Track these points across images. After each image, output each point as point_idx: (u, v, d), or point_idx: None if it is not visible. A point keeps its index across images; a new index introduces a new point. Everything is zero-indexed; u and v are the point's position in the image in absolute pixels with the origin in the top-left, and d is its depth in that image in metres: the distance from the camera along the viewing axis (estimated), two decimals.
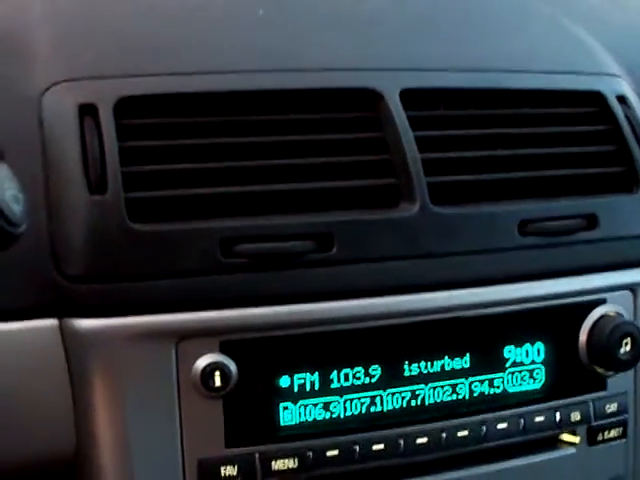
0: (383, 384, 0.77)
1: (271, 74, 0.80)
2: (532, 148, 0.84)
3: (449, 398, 0.79)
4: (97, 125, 0.74)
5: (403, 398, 0.78)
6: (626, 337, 0.82)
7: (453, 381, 0.79)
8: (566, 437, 0.85)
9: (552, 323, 0.82)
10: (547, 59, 0.91)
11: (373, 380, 0.77)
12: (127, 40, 0.82)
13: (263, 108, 0.79)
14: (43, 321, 0.72)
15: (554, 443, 0.85)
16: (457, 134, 0.82)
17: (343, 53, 0.85)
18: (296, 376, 0.75)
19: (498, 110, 0.85)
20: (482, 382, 0.80)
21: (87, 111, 0.74)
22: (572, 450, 0.85)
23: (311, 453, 0.75)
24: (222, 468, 0.74)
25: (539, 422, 0.82)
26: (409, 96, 0.81)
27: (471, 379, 0.79)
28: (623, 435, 0.86)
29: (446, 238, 0.78)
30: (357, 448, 0.76)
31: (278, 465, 0.75)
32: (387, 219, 0.77)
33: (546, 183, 0.84)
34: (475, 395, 0.80)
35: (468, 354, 0.79)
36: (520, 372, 0.81)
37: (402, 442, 0.77)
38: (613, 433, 0.86)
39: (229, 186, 0.75)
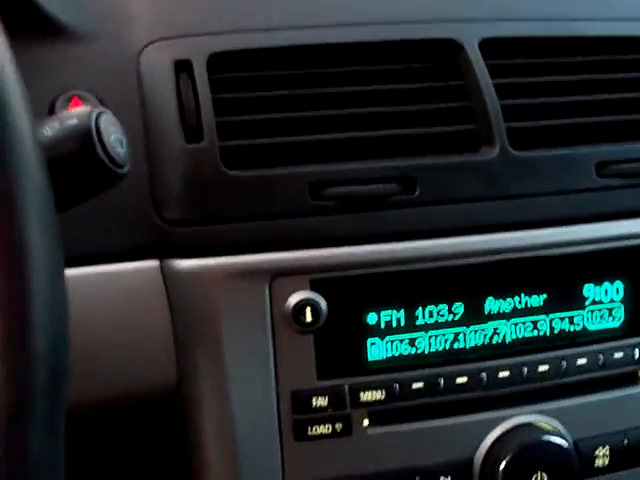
0: (466, 321, 0.80)
1: (356, 27, 0.84)
2: (609, 94, 0.86)
3: (530, 334, 0.82)
4: (192, 79, 0.78)
5: (485, 334, 0.81)
6: None
7: (533, 318, 0.82)
8: None
9: (630, 263, 0.84)
10: (623, 6, 0.93)
11: (456, 317, 0.80)
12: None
13: (349, 60, 0.82)
14: (145, 262, 0.77)
15: (634, 379, 0.87)
16: (535, 81, 0.85)
17: (424, 6, 0.88)
18: (383, 313, 0.78)
19: (576, 57, 0.87)
20: (562, 319, 0.83)
21: (182, 67, 0.79)
22: None
23: (397, 385, 0.79)
24: (314, 399, 0.78)
25: (618, 358, 0.84)
26: (488, 46, 0.84)
27: (551, 316, 0.82)
28: None
29: (525, 180, 0.81)
30: (441, 381, 0.80)
31: (366, 396, 0.78)
32: (467, 162, 0.80)
33: (624, 127, 0.85)
34: (555, 332, 0.82)
35: (548, 292, 0.82)
36: (600, 310, 0.84)
37: (484, 375, 0.80)
38: None
39: (317, 134, 0.79)
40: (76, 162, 0.60)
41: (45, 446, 0.46)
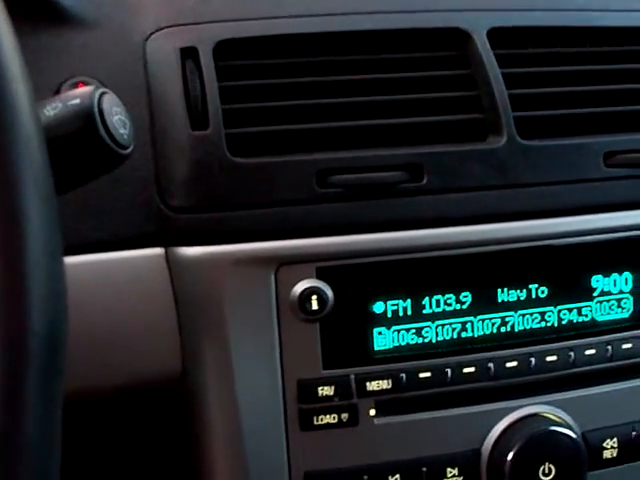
0: (474, 310, 0.80)
1: (364, 16, 0.83)
2: (617, 84, 0.86)
3: (538, 325, 0.81)
4: (198, 67, 0.78)
5: (493, 324, 0.80)
6: None
7: (542, 309, 0.81)
8: None
9: (639, 253, 0.84)
10: None
11: (464, 306, 0.79)
12: None
13: (357, 48, 0.82)
14: (150, 250, 0.76)
15: None
16: (543, 71, 0.84)
17: None
18: (389, 302, 0.78)
19: (585, 48, 0.87)
20: (570, 310, 0.82)
21: (188, 54, 0.79)
22: None
23: (404, 375, 0.78)
24: (320, 388, 0.77)
25: (627, 349, 0.83)
26: (497, 35, 0.84)
27: (560, 307, 0.82)
28: None
29: (533, 169, 0.80)
30: (448, 371, 0.79)
31: (373, 386, 0.78)
32: (475, 151, 0.79)
33: (631, 118, 0.85)
34: (564, 323, 0.82)
35: (556, 283, 0.81)
36: (608, 301, 0.83)
37: (492, 366, 0.80)
38: None
39: (324, 121, 0.78)
40: (78, 142, 0.60)
41: (40, 423, 0.45)
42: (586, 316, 0.83)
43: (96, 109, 0.60)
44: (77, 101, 0.60)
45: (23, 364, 0.44)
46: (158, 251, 0.76)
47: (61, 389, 0.47)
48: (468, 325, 0.80)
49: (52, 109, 0.60)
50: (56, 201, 0.48)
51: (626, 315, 0.84)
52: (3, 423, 0.44)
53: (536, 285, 0.81)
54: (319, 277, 0.76)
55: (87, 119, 0.60)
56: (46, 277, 0.46)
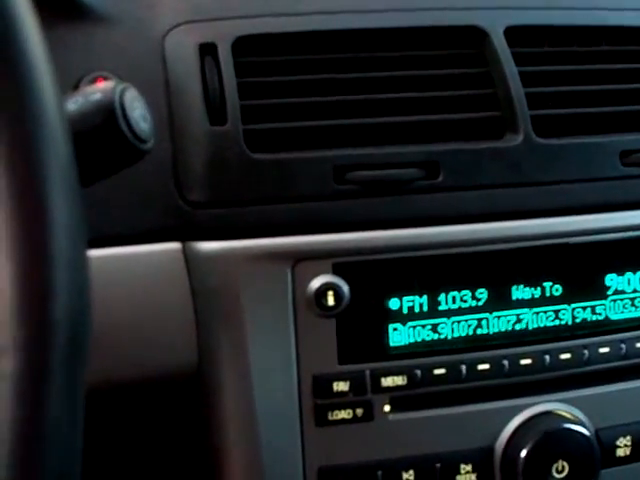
0: (489, 307, 0.80)
1: (382, 14, 0.84)
2: (634, 83, 0.86)
3: (552, 323, 0.82)
4: (217, 63, 0.79)
5: (508, 321, 0.80)
6: None
7: (556, 306, 0.81)
8: None
9: None
10: None
11: (480, 303, 0.80)
12: None
13: (374, 46, 0.82)
14: (168, 244, 0.77)
15: None
16: (560, 69, 0.84)
17: None
18: (405, 298, 0.78)
19: (601, 47, 0.87)
20: (584, 308, 0.82)
21: (207, 50, 0.79)
22: None
23: (419, 371, 0.79)
24: (335, 384, 0.77)
25: None
26: (514, 34, 0.84)
27: (574, 305, 0.82)
28: None
29: (549, 167, 0.80)
30: (463, 367, 0.79)
31: (387, 382, 0.78)
32: (491, 149, 0.80)
33: None
34: (577, 321, 0.82)
35: (570, 281, 0.81)
36: (622, 300, 0.83)
37: (506, 363, 0.80)
38: None
39: (342, 118, 0.79)
40: (99, 137, 0.60)
41: (63, 414, 0.45)
42: (600, 314, 0.83)
43: (117, 104, 0.60)
44: (98, 96, 0.61)
45: (45, 351, 0.45)
46: (176, 245, 0.77)
47: (84, 379, 0.48)
48: (483, 322, 0.80)
49: (73, 104, 0.61)
50: (81, 193, 0.48)
51: (639, 314, 0.84)
52: (24, 413, 0.44)
53: (550, 283, 0.81)
54: (335, 273, 0.77)
55: (108, 114, 0.60)
56: (70, 267, 0.46)
